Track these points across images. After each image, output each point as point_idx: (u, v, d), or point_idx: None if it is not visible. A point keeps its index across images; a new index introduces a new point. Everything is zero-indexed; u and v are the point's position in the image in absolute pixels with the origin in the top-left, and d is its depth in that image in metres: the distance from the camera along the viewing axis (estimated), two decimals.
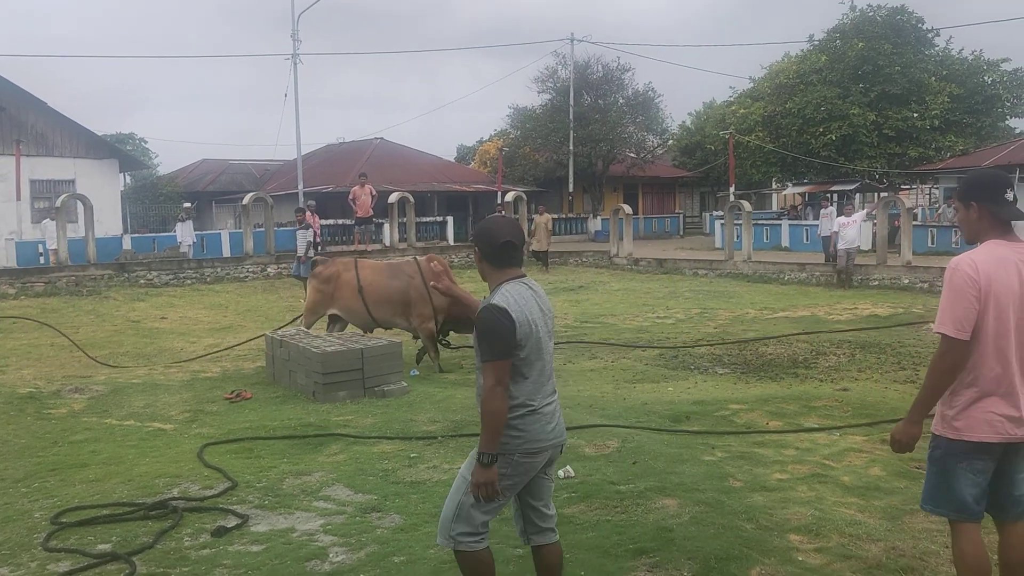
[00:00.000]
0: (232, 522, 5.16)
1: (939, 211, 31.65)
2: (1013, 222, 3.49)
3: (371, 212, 26.76)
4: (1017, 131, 38.22)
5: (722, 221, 28.90)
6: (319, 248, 26.66)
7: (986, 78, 36.56)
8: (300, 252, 19.21)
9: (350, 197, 26.69)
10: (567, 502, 5.32)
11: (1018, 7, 56.40)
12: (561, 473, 5.85)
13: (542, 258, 26.23)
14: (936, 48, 37.73)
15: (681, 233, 43.37)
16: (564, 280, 22.76)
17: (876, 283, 19.63)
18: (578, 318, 15.36)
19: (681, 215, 46.30)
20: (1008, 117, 38.10)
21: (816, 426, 7.30)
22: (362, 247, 26.68)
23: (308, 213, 26.76)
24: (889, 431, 6.91)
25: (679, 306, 16.78)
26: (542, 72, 43.08)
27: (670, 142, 46.81)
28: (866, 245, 24.64)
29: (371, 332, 11.06)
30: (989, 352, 3.37)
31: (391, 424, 7.51)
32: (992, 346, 3.37)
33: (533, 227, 26.56)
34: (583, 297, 19.01)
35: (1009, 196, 3.48)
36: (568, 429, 7.05)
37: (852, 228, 20.03)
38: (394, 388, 8.72)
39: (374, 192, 26.73)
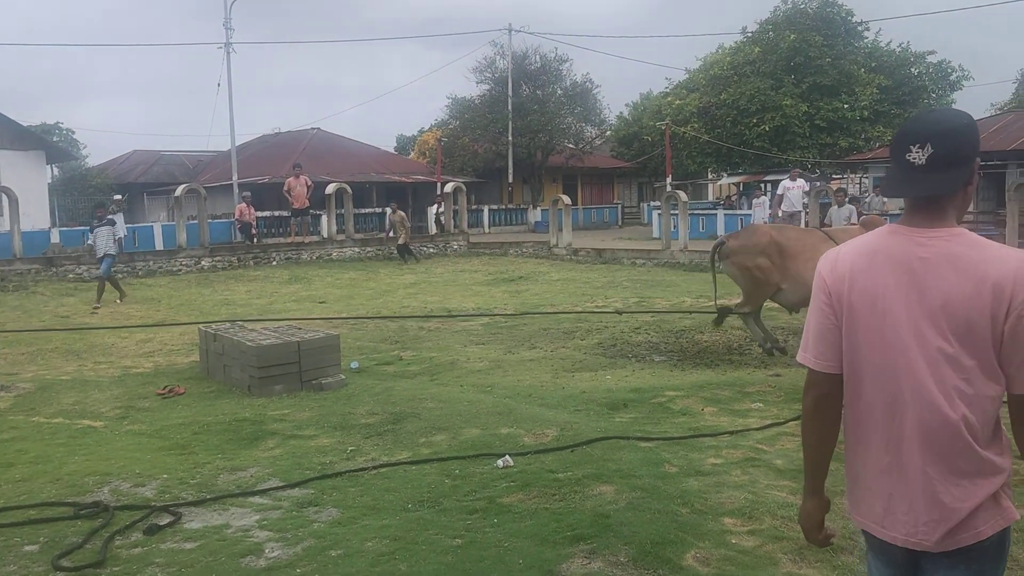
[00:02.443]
0: (165, 519, 5.07)
1: (868, 200, 32.44)
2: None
3: (307, 203, 26.45)
4: None
5: (659, 211, 29.21)
6: (254, 240, 26.33)
7: (913, 70, 37.62)
8: (101, 252, 17.06)
9: (285, 189, 26.37)
10: (505, 491, 5.34)
11: (943, 1, 58.03)
12: (500, 463, 5.87)
13: (404, 252, 25.60)
14: (865, 40, 38.70)
15: (620, 223, 43.74)
16: (504, 271, 22.78)
17: None
18: (518, 308, 15.39)
19: (619, 205, 46.70)
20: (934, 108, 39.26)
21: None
22: (299, 239, 26.37)
23: (244, 205, 26.42)
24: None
25: (618, 295, 16.92)
26: (480, 62, 43.04)
27: (608, 133, 47.16)
28: None
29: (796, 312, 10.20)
30: (863, 394, 2.30)
31: (328, 418, 7.44)
32: (866, 386, 2.29)
33: (389, 224, 26.53)
34: (523, 288, 19.06)
35: (916, 156, 2.20)
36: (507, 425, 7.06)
37: (795, 192, 20.72)
38: (331, 381, 8.64)
39: (309, 183, 26.43)
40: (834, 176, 41.84)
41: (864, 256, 2.30)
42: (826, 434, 2.42)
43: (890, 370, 2.23)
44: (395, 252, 25.72)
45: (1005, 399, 2.23)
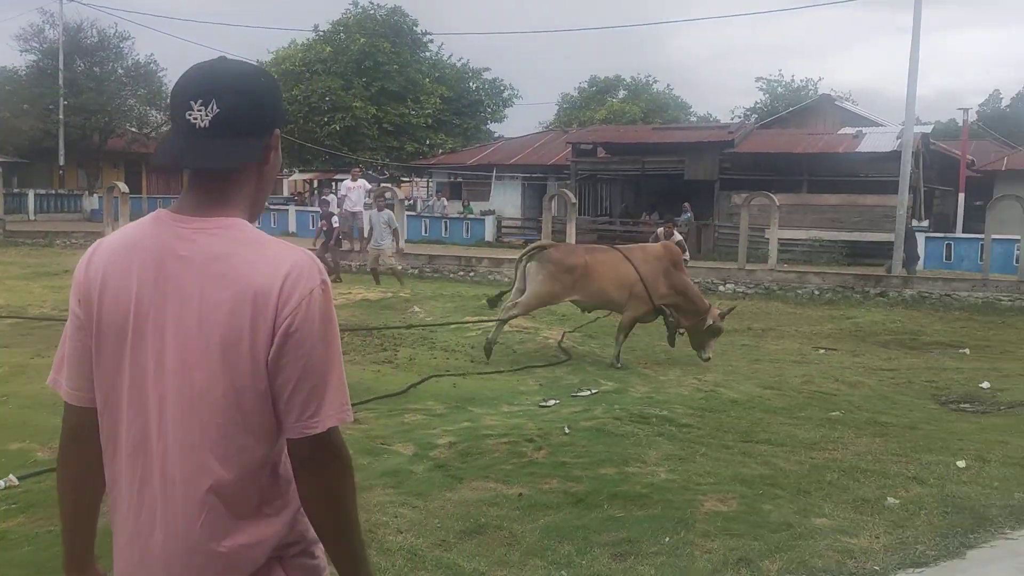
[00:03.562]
0: None
1: (431, 202, 34.53)
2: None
3: None
4: (496, 135, 43.18)
5: None
6: None
7: (471, 84, 40.77)
8: None
9: None
10: (5, 515, 4.76)
11: (497, 22, 63.77)
12: (2, 483, 5.21)
13: None
14: (430, 52, 41.12)
15: None
16: (47, 263, 20.47)
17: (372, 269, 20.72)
18: (58, 305, 13.91)
19: None
20: (489, 121, 42.91)
21: None
22: None
23: None
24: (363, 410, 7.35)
25: None
26: (26, 29, 38.31)
27: None
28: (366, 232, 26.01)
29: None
30: (112, 435, 1.70)
31: None
32: (111, 424, 1.69)
33: None
34: (66, 282, 17.25)
35: (198, 115, 1.60)
36: None
37: (357, 192, 21.23)
38: None
39: None
40: (403, 179, 43.87)
41: (121, 252, 1.68)
42: (84, 485, 1.80)
43: (140, 406, 1.64)
44: None
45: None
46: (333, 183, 34.23)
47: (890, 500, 5.43)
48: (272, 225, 30.89)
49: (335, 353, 1.66)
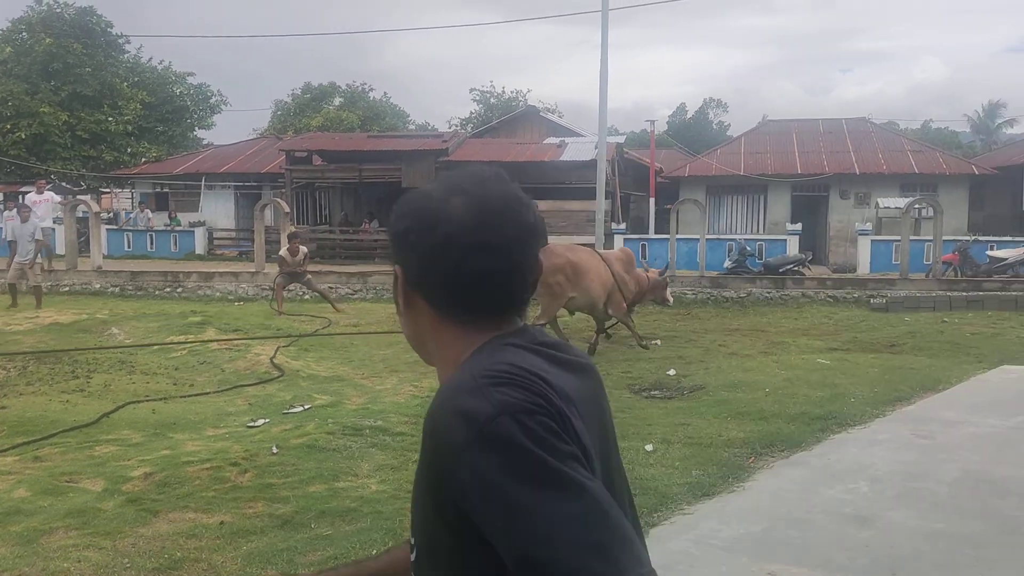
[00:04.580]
0: None
1: (133, 215, 32.32)
2: None
3: None
4: (205, 142, 41.22)
5: None
6: None
7: (175, 89, 38.57)
8: None
9: None
10: None
11: (201, 26, 60.87)
12: None
13: None
14: (127, 54, 38.42)
15: None
16: None
17: (67, 289, 19.01)
18: None
19: None
20: (196, 128, 40.84)
21: None
22: None
23: None
24: (44, 447, 6.70)
25: None
26: None
27: None
28: (60, 249, 23.80)
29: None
30: None
31: None
32: None
33: None
34: None
35: None
36: None
37: (44, 206, 19.49)
38: None
39: None
40: (103, 190, 40.65)
41: None
42: None
43: None
44: None
45: None
46: (20, 196, 30.97)
47: None
48: None
49: None
